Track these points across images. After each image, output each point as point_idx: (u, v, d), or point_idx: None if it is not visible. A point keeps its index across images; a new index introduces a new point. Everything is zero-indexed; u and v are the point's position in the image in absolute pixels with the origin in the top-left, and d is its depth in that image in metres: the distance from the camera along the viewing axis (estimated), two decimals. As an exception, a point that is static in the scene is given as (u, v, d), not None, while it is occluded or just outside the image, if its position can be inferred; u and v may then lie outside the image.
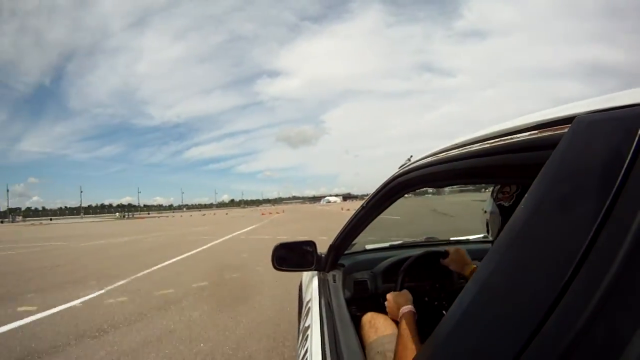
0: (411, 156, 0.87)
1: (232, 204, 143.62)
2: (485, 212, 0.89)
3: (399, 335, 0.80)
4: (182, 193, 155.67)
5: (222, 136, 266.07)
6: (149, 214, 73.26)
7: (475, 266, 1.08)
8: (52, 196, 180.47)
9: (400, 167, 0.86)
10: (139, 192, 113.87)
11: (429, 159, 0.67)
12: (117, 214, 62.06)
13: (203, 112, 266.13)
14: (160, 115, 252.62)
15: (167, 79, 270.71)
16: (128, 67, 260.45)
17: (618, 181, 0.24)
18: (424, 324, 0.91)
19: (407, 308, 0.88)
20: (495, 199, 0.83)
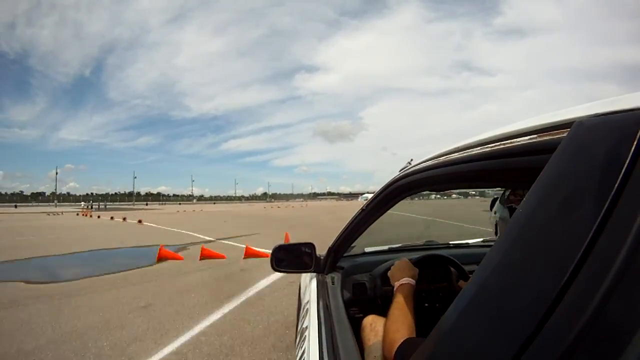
0: (412, 159, 0.87)
1: (264, 197, 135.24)
2: (496, 213, 0.89)
3: (393, 304, 0.79)
4: (193, 181, 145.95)
5: (260, 130, 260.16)
6: (146, 204, 66.96)
7: (405, 282, 0.98)
8: (88, 182, 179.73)
9: (401, 170, 0.86)
10: (134, 178, 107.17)
11: (430, 163, 0.67)
12: (82, 202, 51.88)
13: (241, 105, 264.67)
14: (198, 108, 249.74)
15: (206, 73, 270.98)
16: (167, 61, 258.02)
17: (617, 185, 0.25)
18: (423, 325, 0.91)
19: (406, 280, 0.88)
20: (507, 201, 0.82)
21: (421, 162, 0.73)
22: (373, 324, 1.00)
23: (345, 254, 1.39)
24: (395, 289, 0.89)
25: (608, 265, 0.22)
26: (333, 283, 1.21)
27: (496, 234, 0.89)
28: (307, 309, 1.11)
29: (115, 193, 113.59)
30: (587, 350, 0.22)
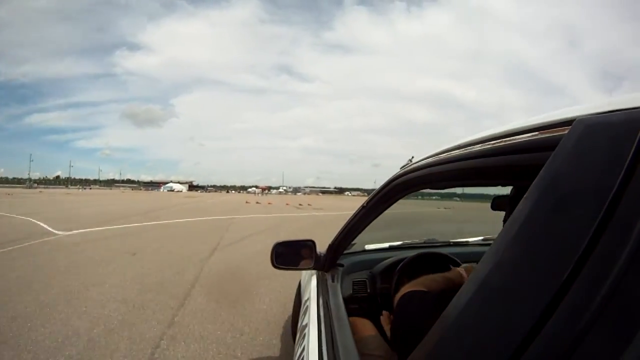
0: (412, 157, 0.87)
1: (57, 181, 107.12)
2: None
3: None
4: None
5: (67, 105, 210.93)
6: None
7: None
8: None
9: (402, 167, 0.86)
10: None
11: (430, 160, 0.67)
12: None
13: (53, 74, 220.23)
14: (6, 71, 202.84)
15: (24, 31, 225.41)
16: None
17: (618, 183, 0.25)
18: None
19: (410, 287, 0.89)
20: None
21: (422, 160, 0.73)
22: (354, 324, 1.01)
23: (346, 252, 1.39)
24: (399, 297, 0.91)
25: (609, 264, 0.22)
26: (333, 280, 1.22)
27: None
28: (307, 307, 1.11)
29: None
30: (588, 350, 0.22)
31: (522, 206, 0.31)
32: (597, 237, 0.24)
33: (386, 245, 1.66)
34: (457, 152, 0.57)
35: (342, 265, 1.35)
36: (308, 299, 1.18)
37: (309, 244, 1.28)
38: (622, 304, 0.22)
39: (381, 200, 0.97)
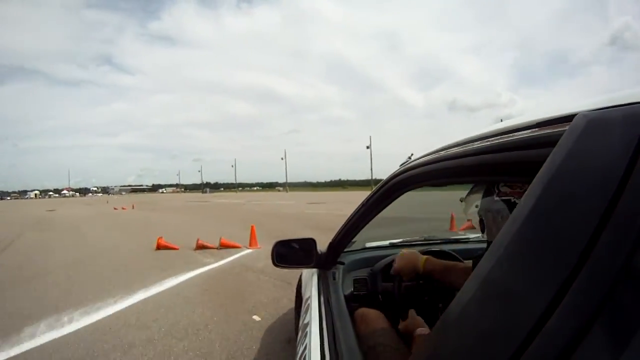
0: (412, 154, 0.87)
1: None
2: (477, 206, 0.81)
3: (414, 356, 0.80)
4: None
5: None
6: None
7: (427, 257, 1.09)
8: None
9: (402, 164, 0.86)
10: None
11: (430, 157, 0.67)
12: None
13: None
14: None
15: None
16: None
17: (619, 179, 0.24)
18: (425, 320, 0.92)
19: (425, 330, 0.87)
20: (499, 194, 0.73)
21: (421, 157, 0.73)
22: (364, 316, 1.01)
23: (346, 249, 1.40)
24: (413, 339, 0.87)
25: (610, 261, 0.22)
26: (334, 278, 1.22)
27: (482, 230, 0.80)
28: (309, 305, 1.11)
29: None
30: (588, 350, 0.22)
31: (524, 203, 0.31)
32: (598, 234, 0.24)
33: (387, 242, 1.66)
34: (456, 149, 0.57)
35: (342, 263, 1.35)
36: (309, 297, 1.19)
37: (310, 242, 1.29)
38: (623, 303, 0.22)
39: (381, 198, 0.97)
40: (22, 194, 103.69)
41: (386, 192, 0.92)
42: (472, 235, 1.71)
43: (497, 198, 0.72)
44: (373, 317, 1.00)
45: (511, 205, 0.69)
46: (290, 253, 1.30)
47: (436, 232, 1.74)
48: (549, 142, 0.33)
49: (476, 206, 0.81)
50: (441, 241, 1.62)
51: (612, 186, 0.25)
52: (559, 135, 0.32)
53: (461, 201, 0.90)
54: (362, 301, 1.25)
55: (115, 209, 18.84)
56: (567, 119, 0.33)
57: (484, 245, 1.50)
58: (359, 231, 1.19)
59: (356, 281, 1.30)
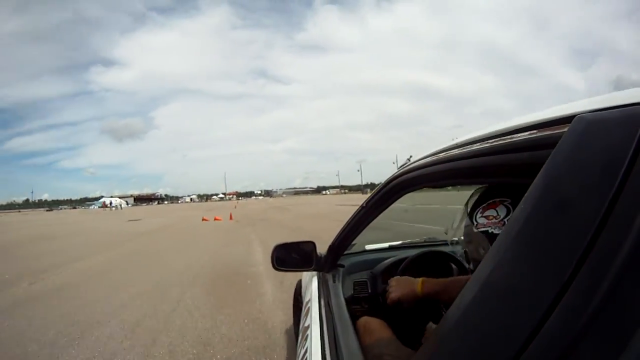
0: (411, 156, 0.87)
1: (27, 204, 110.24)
2: (462, 237, 0.78)
3: (446, 281, 0.91)
4: None
5: (47, 127, 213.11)
6: None
7: (423, 278, 1.03)
8: None
9: (401, 167, 0.86)
10: None
11: (430, 159, 0.67)
12: None
13: (29, 97, 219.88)
14: None
15: None
16: None
17: (618, 180, 0.24)
18: (423, 324, 0.91)
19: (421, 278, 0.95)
20: (477, 225, 0.69)
21: (421, 159, 0.73)
22: (367, 325, 1.00)
23: (346, 252, 1.39)
24: (420, 284, 0.95)
25: (609, 263, 0.22)
26: (334, 281, 1.21)
27: (468, 262, 0.80)
28: (309, 308, 1.11)
29: None
30: (588, 350, 0.22)
31: (523, 205, 0.31)
32: (597, 235, 0.24)
33: (386, 245, 1.66)
34: (455, 151, 0.57)
35: (342, 266, 1.35)
36: (309, 300, 1.18)
37: (309, 245, 1.28)
38: (623, 304, 0.22)
39: (380, 200, 0.97)
40: (175, 199, 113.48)
41: (385, 194, 0.92)
42: None
43: (475, 230, 0.69)
44: (377, 326, 0.99)
45: (490, 237, 0.66)
46: (290, 256, 1.29)
47: (436, 234, 1.74)
48: (548, 144, 0.33)
49: (461, 237, 0.79)
50: (441, 243, 1.62)
51: (611, 187, 0.24)
52: (558, 137, 0.32)
53: (446, 233, 0.92)
54: (363, 304, 1.24)
55: (204, 219, 14.58)
56: (566, 120, 0.33)
57: None
58: (358, 234, 1.19)
59: (356, 284, 1.29)
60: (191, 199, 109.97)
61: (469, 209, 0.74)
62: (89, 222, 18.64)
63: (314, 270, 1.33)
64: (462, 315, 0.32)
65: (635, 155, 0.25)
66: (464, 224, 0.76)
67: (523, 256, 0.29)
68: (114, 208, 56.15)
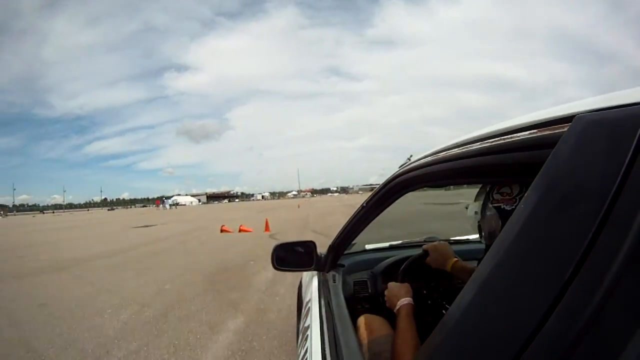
0: (411, 155, 0.87)
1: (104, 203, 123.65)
2: (476, 213, 0.84)
3: (397, 328, 0.81)
4: (64, 192, 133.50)
5: (125, 131, 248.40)
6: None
7: (456, 259, 1.10)
8: None
9: (401, 166, 0.85)
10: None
11: (430, 158, 0.67)
12: None
13: (106, 104, 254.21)
14: (62, 106, 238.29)
15: (73, 67, 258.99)
16: (33, 52, 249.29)
17: (618, 180, 0.24)
18: (423, 324, 0.91)
19: (406, 300, 0.88)
20: (492, 200, 0.76)
21: (420, 158, 0.73)
22: (367, 323, 1.00)
23: (346, 252, 1.39)
24: (396, 311, 0.89)
25: (609, 262, 0.22)
26: (334, 281, 1.21)
27: (480, 235, 0.84)
28: (309, 308, 1.11)
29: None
30: (588, 350, 0.22)
31: (523, 205, 0.31)
32: (597, 235, 0.24)
33: (386, 244, 1.66)
34: (456, 150, 0.57)
35: (342, 266, 1.35)
36: (309, 300, 1.18)
37: (310, 245, 1.28)
38: (623, 304, 0.22)
39: (380, 200, 0.97)
40: (247, 197, 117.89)
41: (386, 193, 0.92)
42: (472, 237, 1.71)
43: (490, 205, 0.76)
44: (377, 323, 1.00)
45: (501, 212, 0.73)
46: (290, 256, 1.29)
47: (437, 233, 1.74)
48: (548, 144, 0.33)
49: (475, 212, 0.85)
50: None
51: (611, 187, 0.24)
52: (558, 137, 0.32)
53: (466, 208, 0.93)
54: (363, 304, 1.24)
55: (224, 230, 9.61)
56: (567, 120, 0.33)
57: (484, 246, 1.50)
58: (358, 233, 1.19)
59: (356, 283, 1.29)
60: (262, 197, 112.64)
61: (488, 185, 0.79)
62: (78, 228, 16.06)
63: (314, 269, 1.33)
64: (462, 315, 0.32)
65: (635, 155, 0.25)
66: (482, 198, 0.81)
67: (523, 256, 0.29)
68: (167, 207, 55.89)
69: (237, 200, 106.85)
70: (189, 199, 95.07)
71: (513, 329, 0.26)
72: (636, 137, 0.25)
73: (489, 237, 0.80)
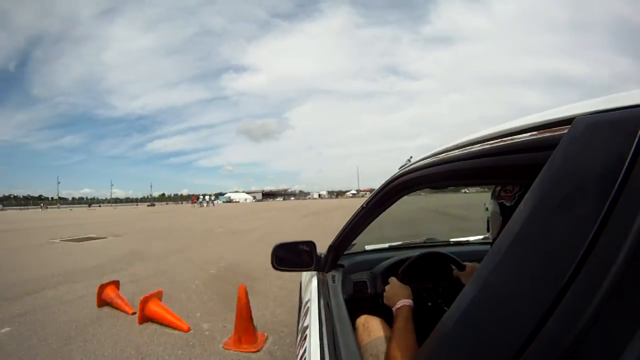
0: (411, 157, 0.87)
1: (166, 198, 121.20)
2: (487, 209, 0.86)
3: (394, 329, 0.81)
4: (112, 186, 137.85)
5: (185, 130, 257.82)
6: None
7: (408, 304, 0.97)
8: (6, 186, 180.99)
9: (401, 167, 0.85)
10: (58, 183, 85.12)
11: (430, 160, 0.67)
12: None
13: (167, 105, 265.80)
14: (124, 107, 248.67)
15: (133, 70, 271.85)
16: (94, 56, 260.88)
17: (618, 182, 0.25)
18: (423, 324, 0.91)
19: (406, 302, 0.88)
20: (497, 197, 0.79)
21: (421, 160, 0.73)
22: (366, 324, 1.00)
23: (346, 252, 1.39)
24: (394, 311, 0.89)
25: (609, 264, 0.22)
26: (334, 281, 1.21)
27: (488, 230, 0.87)
28: (308, 308, 1.11)
29: (27, 197, 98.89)
30: (588, 350, 0.22)
31: (524, 206, 0.31)
32: (597, 236, 0.24)
33: (386, 245, 1.66)
34: (456, 152, 0.57)
35: (342, 266, 1.35)
36: (309, 300, 1.18)
37: (309, 245, 1.28)
38: (623, 304, 0.22)
39: (380, 200, 0.97)
40: (303, 195, 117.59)
41: (385, 195, 0.92)
42: (472, 238, 1.71)
43: (494, 201, 0.79)
44: (375, 324, 0.99)
45: (503, 208, 0.76)
46: (290, 256, 1.29)
47: (436, 235, 1.74)
48: (548, 145, 0.33)
49: (486, 209, 0.88)
50: (441, 244, 1.62)
51: (611, 189, 0.25)
52: (558, 139, 0.32)
53: (484, 204, 0.95)
54: (362, 304, 1.24)
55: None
56: (567, 122, 0.33)
57: (485, 247, 1.50)
58: (358, 234, 1.19)
59: (356, 284, 1.29)
60: (319, 195, 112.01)
61: None
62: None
63: (314, 270, 1.32)
64: (462, 315, 0.32)
65: (634, 156, 0.25)
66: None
67: (523, 256, 0.29)
68: (204, 204, 51.45)
69: (292, 198, 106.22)
70: (243, 195, 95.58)
71: (513, 329, 0.26)
72: (636, 139, 0.25)
73: (494, 232, 0.83)
